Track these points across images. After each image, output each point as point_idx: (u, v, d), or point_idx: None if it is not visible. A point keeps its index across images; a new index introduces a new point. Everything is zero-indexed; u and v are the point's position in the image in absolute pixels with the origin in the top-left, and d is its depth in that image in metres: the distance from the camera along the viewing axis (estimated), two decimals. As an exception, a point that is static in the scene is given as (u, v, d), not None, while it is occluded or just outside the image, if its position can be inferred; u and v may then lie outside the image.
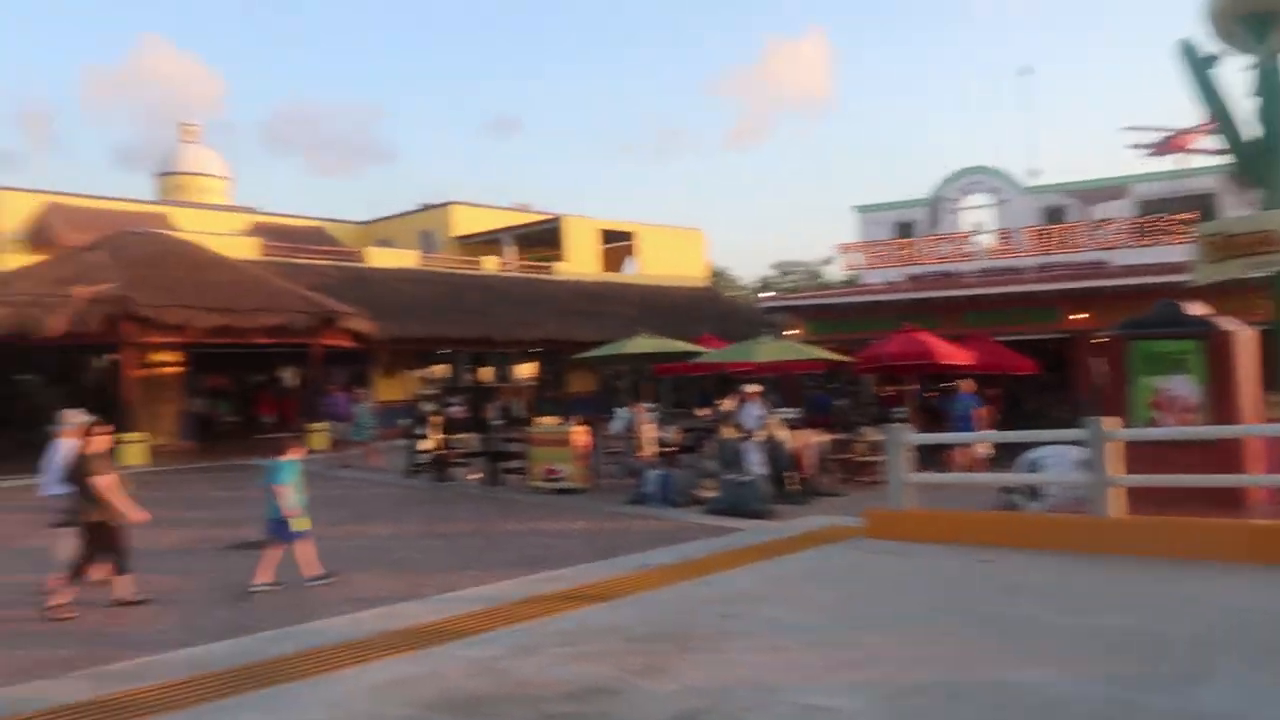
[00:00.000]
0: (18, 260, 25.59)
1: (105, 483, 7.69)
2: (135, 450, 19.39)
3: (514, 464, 15.15)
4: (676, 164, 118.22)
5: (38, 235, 27.74)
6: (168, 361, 25.42)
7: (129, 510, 7.79)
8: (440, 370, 30.15)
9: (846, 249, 27.13)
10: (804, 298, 30.39)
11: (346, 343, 23.32)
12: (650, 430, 14.80)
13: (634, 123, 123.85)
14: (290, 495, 8.18)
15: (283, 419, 26.30)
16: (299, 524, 8.25)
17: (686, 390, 26.97)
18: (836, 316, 25.40)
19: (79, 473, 7.73)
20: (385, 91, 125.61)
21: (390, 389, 26.41)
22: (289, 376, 29.46)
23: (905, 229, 27.39)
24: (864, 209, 28.49)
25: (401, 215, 39.12)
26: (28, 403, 28.95)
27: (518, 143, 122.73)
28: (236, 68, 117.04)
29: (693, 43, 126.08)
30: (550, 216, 36.99)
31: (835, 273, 51.46)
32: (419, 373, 28.68)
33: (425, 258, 32.88)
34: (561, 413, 20.02)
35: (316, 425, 21.40)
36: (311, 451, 20.07)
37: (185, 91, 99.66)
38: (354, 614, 7.14)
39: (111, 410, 21.27)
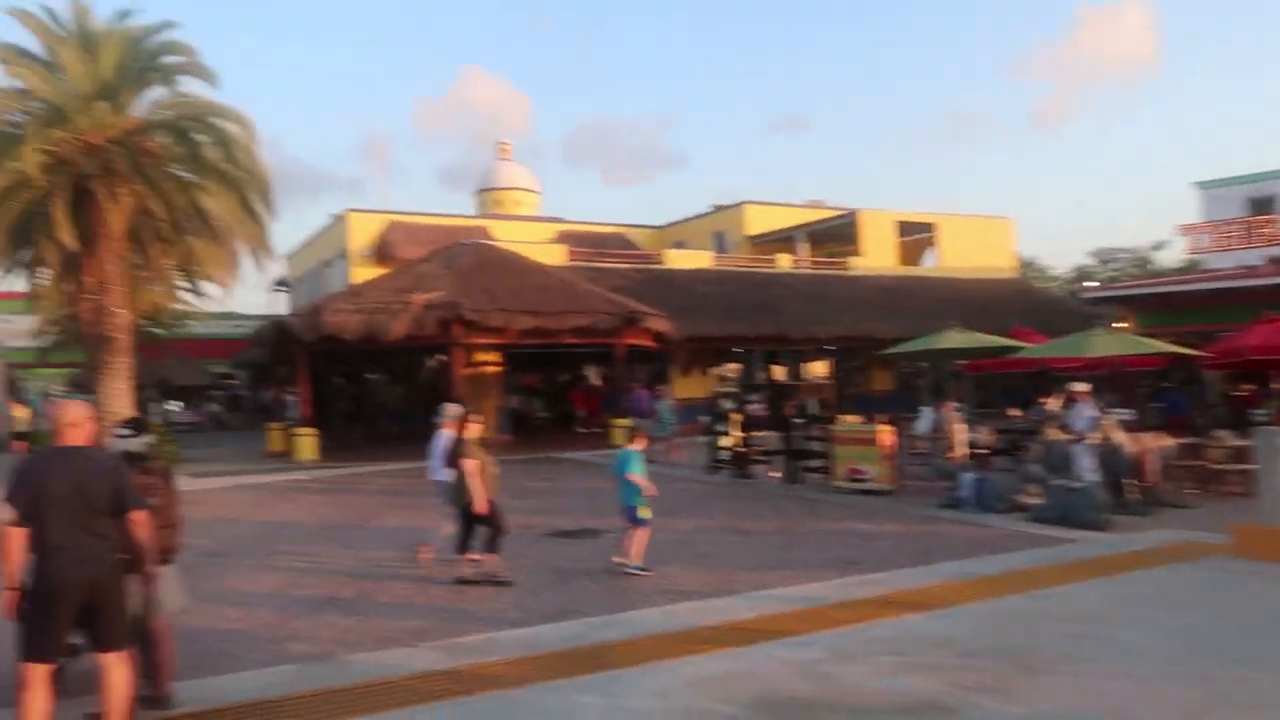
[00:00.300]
0: (365, 273, 28.98)
1: (470, 467, 8.41)
2: (463, 442, 21.21)
3: (815, 463, 14.85)
4: (977, 151, 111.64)
5: (381, 250, 31.27)
6: (488, 361, 27.66)
7: (478, 497, 8.42)
8: (734, 368, 30.54)
9: (1189, 230, 24.04)
10: (1136, 286, 27.36)
11: (647, 342, 24.11)
12: (961, 431, 13.91)
13: (929, 112, 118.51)
14: (643, 482, 8.61)
15: (590, 415, 27.73)
16: (643, 512, 8.57)
17: (990, 388, 25.28)
18: (1176, 306, 22.60)
19: (452, 457, 8.58)
20: (676, 100, 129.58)
21: (687, 386, 27.01)
22: (592, 375, 31.04)
23: (1261, 205, 23.82)
24: (1208, 185, 25.13)
25: (695, 218, 39.95)
26: (374, 399, 32.87)
27: (808, 140, 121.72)
28: (542, 88, 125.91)
29: (990, 23, 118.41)
30: (844, 211, 36.11)
31: (1168, 259, 46.24)
32: (715, 370, 29.21)
33: (719, 258, 33.34)
34: (859, 411, 19.40)
35: (620, 421, 22.30)
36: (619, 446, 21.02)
37: (499, 114, 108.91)
38: (669, 606, 7.25)
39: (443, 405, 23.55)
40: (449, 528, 9.03)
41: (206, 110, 17.52)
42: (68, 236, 15.63)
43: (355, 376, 32.67)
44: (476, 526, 8.55)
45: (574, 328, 22.55)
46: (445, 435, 9.39)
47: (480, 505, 8.41)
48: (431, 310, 21.06)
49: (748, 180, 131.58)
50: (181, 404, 40.49)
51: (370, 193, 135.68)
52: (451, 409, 9.68)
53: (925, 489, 13.45)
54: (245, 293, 66.73)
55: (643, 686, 5.35)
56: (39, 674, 4.38)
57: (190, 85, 17.91)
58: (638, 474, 8.68)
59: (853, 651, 5.89)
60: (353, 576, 8.92)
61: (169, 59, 17.60)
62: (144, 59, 17.45)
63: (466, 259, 24.35)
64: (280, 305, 42.41)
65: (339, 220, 33.25)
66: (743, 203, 37.84)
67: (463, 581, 8.37)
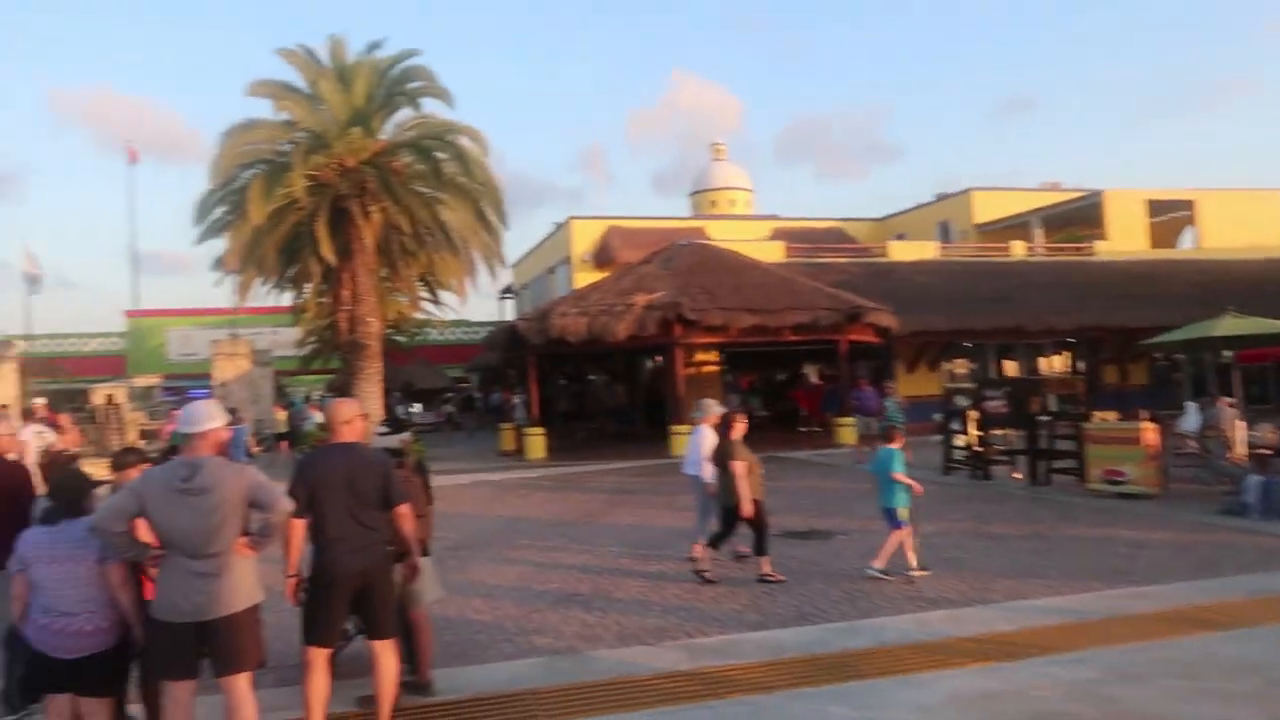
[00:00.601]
0: (587, 277, 29.86)
1: (739, 469, 8.33)
2: (682, 441, 21.31)
3: (1064, 463, 13.72)
4: (1239, 120, 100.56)
5: (601, 254, 32.14)
6: (707, 360, 27.72)
7: (744, 499, 8.31)
8: (963, 363, 28.96)
9: None
10: None
11: (870, 338, 23.29)
12: (1240, 428, 12.40)
13: (1175, 81, 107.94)
14: (910, 481, 8.24)
15: (811, 414, 27.16)
16: (903, 513, 8.22)
17: (1260, 381, 22.61)
18: None
19: (720, 457, 8.50)
20: (891, 90, 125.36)
21: (913, 383, 25.88)
22: (811, 373, 30.42)
23: None
24: None
25: (917, 208, 38.36)
26: (595, 399, 33.83)
27: (1036, 122, 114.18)
28: (753, 88, 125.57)
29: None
30: (1085, 193, 33.45)
31: None
32: (944, 366, 27.83)
33: (944, 248, 31.81)
34: (1110, 407, 17.79)
35: (844, 420, 21.68)
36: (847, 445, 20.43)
37: (710, 117, 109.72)
38: (919, 614, 6.82)
39: (662, 405, 23.85)
40: (708, 524, 8.89)
41: (445, 129, 18.65)
42: (328, 252, 17.08)
43: (577, 377, 33.76)
44: (736, 527, 8.44)
45: (794, 325, 22.10)
46: (704, 432, 9.09)
47: (746, 508, 8.29)
48: (653, 311, 21.29)
49: (970, 167, 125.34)
50: (422, 406, 43.44)
51: (589, 200, 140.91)
52: (710, 404, 9.43)
53: (1194, 493, 12.12)
54: (476, 301, 70.85)
55: (899, 699, 5.02)
56: (319, 657, 4.66)
57: (430, 106, 19.17)
58: (902, 473, 8.24)
59: (1137, 672, 5.28)
60: (587, 572, 9.04)
61: (412, 84, 18.88)
62: (390, 85, 18.83)
63: (685, 259, 24.48)
64: (507, 312, 44.60)
65: (562, 227, 34.50)
66: (969, 189, 35.94)
67: (703, 579, 8.28)
